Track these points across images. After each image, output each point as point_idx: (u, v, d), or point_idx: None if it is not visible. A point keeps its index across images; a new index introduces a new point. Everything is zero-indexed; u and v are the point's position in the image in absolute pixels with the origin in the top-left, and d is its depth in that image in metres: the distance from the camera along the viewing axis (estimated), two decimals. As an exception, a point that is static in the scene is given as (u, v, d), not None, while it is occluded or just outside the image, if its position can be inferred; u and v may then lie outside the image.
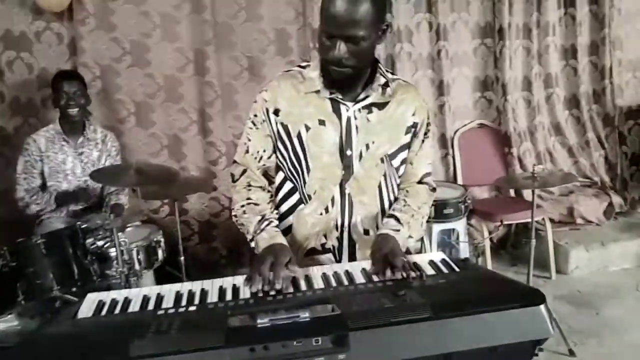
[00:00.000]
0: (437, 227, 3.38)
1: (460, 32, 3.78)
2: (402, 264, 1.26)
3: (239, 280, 1.30)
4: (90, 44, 3.13)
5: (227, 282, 1.31)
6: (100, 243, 2.33)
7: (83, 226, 2.29)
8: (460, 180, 3.81)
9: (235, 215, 1.53)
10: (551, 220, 3.58)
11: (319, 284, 1.27)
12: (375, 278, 1.27)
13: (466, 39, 3.82)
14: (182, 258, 2.82)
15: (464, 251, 3.49)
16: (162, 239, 2.66)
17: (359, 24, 1.29)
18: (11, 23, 3.02)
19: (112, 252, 2.39)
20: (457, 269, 1.30)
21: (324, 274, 1.32)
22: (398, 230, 1.46)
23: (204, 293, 1.25)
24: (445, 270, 1.31)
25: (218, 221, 3.47)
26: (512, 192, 3.89)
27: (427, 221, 3.28)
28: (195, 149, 3.43)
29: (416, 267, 1.32)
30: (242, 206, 1.51)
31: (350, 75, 1.38)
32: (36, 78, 3.11)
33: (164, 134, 3.38)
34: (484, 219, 3.53)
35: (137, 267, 2.49)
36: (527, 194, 3.70)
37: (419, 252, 3.51)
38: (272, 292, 1.20)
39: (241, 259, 3.41)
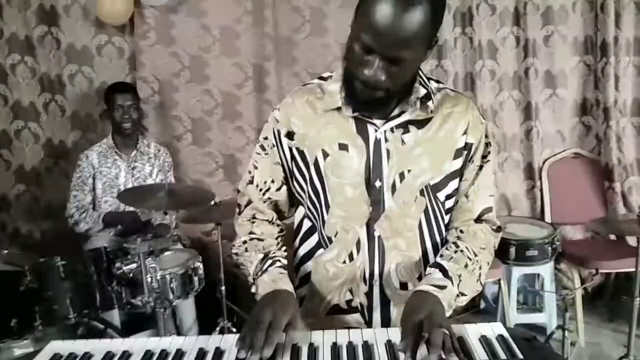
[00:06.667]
0: (517, 271, 2.93)
1: (553, 48, 3.30)
2: (441, 340, 0.91)
3: (228, 340, 1.05)
4: (150, 58, 3.05)
5: (212, 342, 1.04)
6: (128, 267, 2.13)
7: (109, 249, 2.11)
8: (548, 218, 3.30)
9: (236, 254, 1.26)
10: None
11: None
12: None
13: (561, 56, 3.32)
14: (223, 288, 2.60)
15: (550, 301, 2.99)
16: (201, 266, 2.43)
17: (408, 44, 0.98)
18: (75, 37, 3.02)
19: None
20: (519, 355, 0.93)
21: (350, 342, 1.02)
22: (444, 287, 1.09)
23: (178, 355, 1.00)
24: (502, 355, 0.93)
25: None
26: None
27: (506, 263, 2.90)
28: (251, 170, 3.24)
29: (461, 345, 0.96)
30: (244, 242, 1.24)
31: (380, 97, 1.07)
32: (95, 92, 3.07)
33: (219, 153, 3.22)
34: (576, 264, 2.99)
35: (170, 296, 2.27)
36: (630, 237, 3.10)
37: (496, 297, 3.04)
38: None
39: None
